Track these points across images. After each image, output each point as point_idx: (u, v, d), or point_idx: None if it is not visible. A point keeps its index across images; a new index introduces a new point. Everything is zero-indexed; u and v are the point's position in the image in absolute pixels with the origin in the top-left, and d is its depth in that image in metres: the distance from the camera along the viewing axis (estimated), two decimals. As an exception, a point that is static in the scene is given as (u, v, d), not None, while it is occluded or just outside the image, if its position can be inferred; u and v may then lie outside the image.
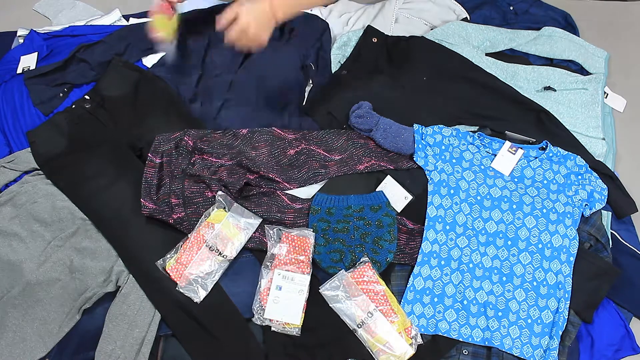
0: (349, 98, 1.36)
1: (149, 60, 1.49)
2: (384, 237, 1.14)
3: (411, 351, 1.04)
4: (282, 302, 1.08)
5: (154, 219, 1.16)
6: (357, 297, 1.08)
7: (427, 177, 1.24)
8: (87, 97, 1.34)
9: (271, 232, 1.14)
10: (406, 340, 1.05)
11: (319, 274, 1.15)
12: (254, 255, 1.17)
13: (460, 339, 1.08)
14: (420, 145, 1.26)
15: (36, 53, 1.49)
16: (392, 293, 1.12)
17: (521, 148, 1.25)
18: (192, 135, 1.26)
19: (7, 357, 1.03)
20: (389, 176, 1.25)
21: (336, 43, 1.52)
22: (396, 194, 1.23)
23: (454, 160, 1.25)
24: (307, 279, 1.10)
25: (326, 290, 1.10)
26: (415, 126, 1.28)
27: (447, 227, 1.18)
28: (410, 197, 1.23)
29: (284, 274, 1.10)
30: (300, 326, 1.07)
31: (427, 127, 1.28)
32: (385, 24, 1.58)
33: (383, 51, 1.48)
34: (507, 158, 1.24)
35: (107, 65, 1.41)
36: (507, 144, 1.25)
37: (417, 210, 1.21)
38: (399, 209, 1.22)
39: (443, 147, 1.26)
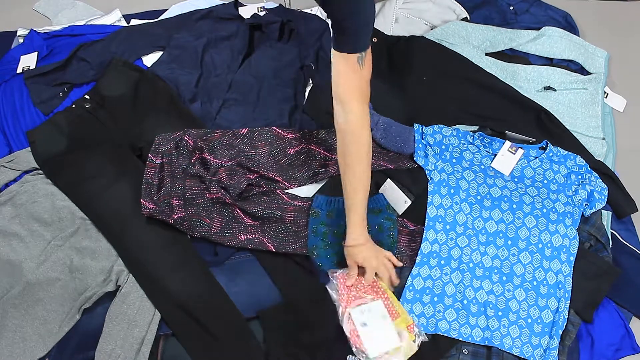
0: (349, 98, 1.35)
1: (149, 60, 1.49)
2: (384, 240, 1.14)
3: (415, 348, 1.04)
4: (375, 335, 1.04)
5: (154, 219, 1.16)
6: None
7: (427, 176, 1.24)
8: (87, 96, 1.34)
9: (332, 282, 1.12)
10: (409, 338, 1.04)
11: (319, 274, 1.15)
12: (254, 255, 1.17)
13: (460, 339, 1.08)
14: (420, 145, 1.26)
15: (36, 53, 1.49)
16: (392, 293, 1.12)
17: (521, 148, 1.25)
18: (192, 135, 1.26)
19: (7, 357, 1.03)
20: (389, 179, 1.25)
21: (336, 43, 1.51)
22: (396, 198, 1.23)
23: (454, 160, 1.25)
24: (380, 303, 1.07)
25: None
26: (415, 126, 1.28)
27: (447, 227, 1.18)
28: (409, 202, 1.23)
29: (360, 310, 1.07)
30: (400, 346, 1.03)
31: (427, 127, 1.28)
32: (385, 24, 1.58)
33: (383, 51, 1.48)
34: (507, 158, 1.24)
35: (107, 65, 1.41)
36: (507, 143, 1.25)
37: (417, 211, 1.21)
38: (399, 212, 1.22)
39: (443, 147, 1.26)
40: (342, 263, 1.13)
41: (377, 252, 1.08)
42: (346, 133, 1.00)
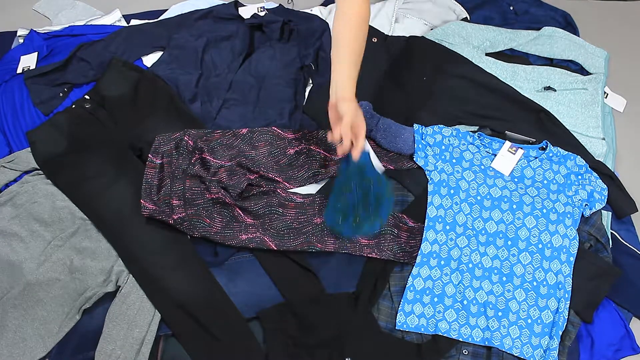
0: (349, 98, 1.35)
1: (149, 60, 1.49)
2: (381, 192, 1.11)
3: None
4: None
5: (154, 219, 1.16)
6: None
7: (427, 177, 1.24)
8: (87, 97, 1.34)
9: None
10: None
11: (319, 274, 1.15)
12: (253, 255, 1.17)
13: (460, 339, 1.08)
14: (420, 145, 1.26)
15: (36, 53, 1.49)
16: (391, 294, 1.12)
17: (521, 148, 1.25)
18: (192, 135, 1.26)
19: (7, 357, 1.03)
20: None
21: (336, 43, 1.51)
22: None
23: (454, 160, 1.25)
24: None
25: None
26: (415, 126, 1.28)
27: (447, 227, 1.18)
28: (383, 169, 1.21)
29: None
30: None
31: (427, 127, 1.28)
32: (385, 24, 1.58)
33: (383, 51, 1.48)
34: (507, 158, 1.24)
35: (107, 65, 1.41)
36: (507, 144, 1.25)
37: (417, 210, 1.21)
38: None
39: (443, 147, 1.26)
40: (346, 219, 1.10)
41: (359, 114, 1.07)
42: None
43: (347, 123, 1.04)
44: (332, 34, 1.11)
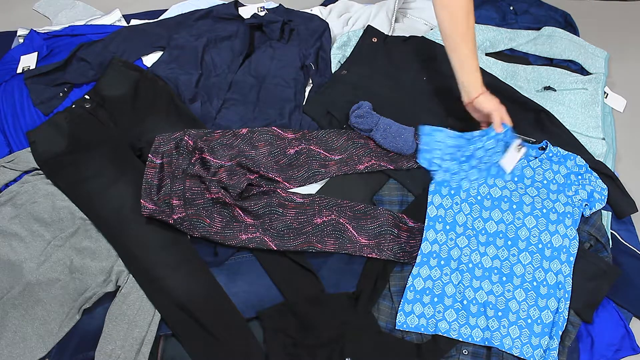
0: (349, 98, 1.36)
1: (149, 60, 1.49)
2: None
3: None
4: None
5: (154, 219, 1.16)
6: None
7: (431, 176, 1.24)
8: (87, 96, 1.34)
9: None
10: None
11: (319, 274, 1.15)
12: (254, 255, 1.17)
13: (460, 339, 1.08)
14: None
15: (36, 53, 1.49)
16: (391, 294, 1.12)
17: (524, 147, 1.25)
18: (192, 135, 1.26)
19: (7, 357, 1.03)
20: None
21: (336, 43, 1.52)
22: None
23: (454, 160, 1.25)
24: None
25: None
26: (419, 128, 1.28)
27: (447, 227, 1.18)
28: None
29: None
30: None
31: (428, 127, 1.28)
32: (385, 24, 1.58)
33: (383, 51, 1.48)
34: (511, 155, 1.23)
35: (107, 65, 1.41)
36: (517, 140, 1.23)
37: (417, 210, 1.21)
38: None
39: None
40: None
41: (494, 98, 1.18)
42: None
43: (498, 110, 1.16)
44: (441, 30, 1.16)
